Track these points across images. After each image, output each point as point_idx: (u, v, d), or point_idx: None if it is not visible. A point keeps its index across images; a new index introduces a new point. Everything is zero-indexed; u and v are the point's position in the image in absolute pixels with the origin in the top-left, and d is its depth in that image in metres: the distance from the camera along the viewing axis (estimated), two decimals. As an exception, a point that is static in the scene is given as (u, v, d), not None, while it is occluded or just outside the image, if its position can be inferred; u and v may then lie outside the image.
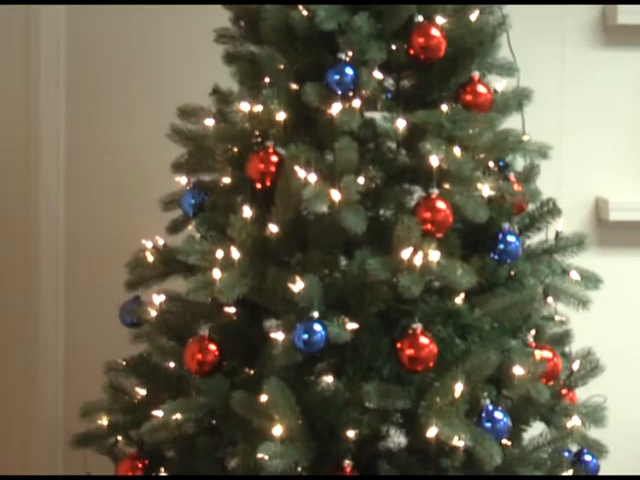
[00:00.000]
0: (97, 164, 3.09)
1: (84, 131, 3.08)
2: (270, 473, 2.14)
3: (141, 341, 2.49)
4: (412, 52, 2.32)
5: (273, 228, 2.29)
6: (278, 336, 2.21)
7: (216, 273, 2.25)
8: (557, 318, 2.53)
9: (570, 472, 2.35)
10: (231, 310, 2.35)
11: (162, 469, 2.40)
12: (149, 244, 2.51)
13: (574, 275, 2.49)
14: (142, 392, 2.46)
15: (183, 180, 2.50)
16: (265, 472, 2.14)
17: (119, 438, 2.49)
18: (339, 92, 2.28)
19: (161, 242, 2.52)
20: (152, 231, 2.54)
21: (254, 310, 2.36)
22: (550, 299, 2.49)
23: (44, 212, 3.09)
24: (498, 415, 2.23)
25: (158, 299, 2.45)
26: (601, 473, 2.48)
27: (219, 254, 2.28)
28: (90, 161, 3.09)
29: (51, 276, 3.10)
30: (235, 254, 2.28)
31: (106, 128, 3.07)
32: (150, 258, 2.50)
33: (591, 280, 2.51)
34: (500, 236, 2.35)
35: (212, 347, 2.28)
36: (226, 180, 2.42)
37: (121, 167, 3.07)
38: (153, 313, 2.45)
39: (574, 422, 2.41)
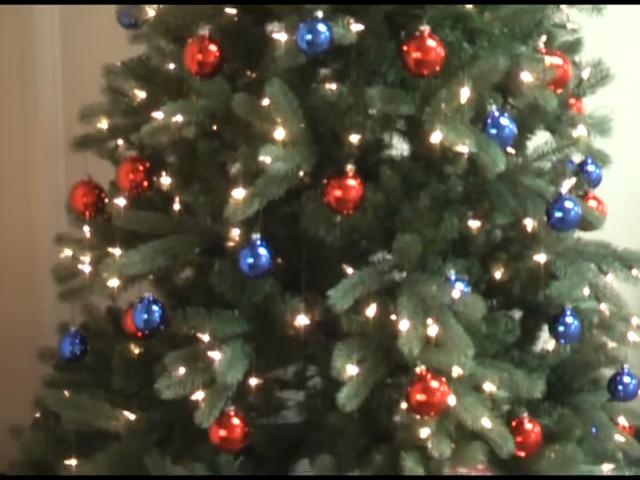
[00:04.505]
0: None
1: None
2: (272, 176, 2.13)
3: (140, 42, 2.43)
4: None
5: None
6: (281, 37, 2.15)
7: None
8: (569, 26, 2.46)
9: (573, 180, 2.33)
10: (232, 11, 2.28)
11: (163, 173, 2.39)
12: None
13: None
14: (142, 95, 2.41)
15: None
16: (267, 174, 2.13)
17: (119, 142, 2.47)
18: None
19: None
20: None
21: (256, 12, 2.28)
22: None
23: None
24: (504, 121, 2.19)
25: (156, -3, 2.36)
26: (602, 184, 2.47)
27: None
28: None
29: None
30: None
31: None
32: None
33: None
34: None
35: (213, 48, 2.21)
36: None
37: None
38: (151, 14, 2.37)
39: (580, 132, 2.38)
